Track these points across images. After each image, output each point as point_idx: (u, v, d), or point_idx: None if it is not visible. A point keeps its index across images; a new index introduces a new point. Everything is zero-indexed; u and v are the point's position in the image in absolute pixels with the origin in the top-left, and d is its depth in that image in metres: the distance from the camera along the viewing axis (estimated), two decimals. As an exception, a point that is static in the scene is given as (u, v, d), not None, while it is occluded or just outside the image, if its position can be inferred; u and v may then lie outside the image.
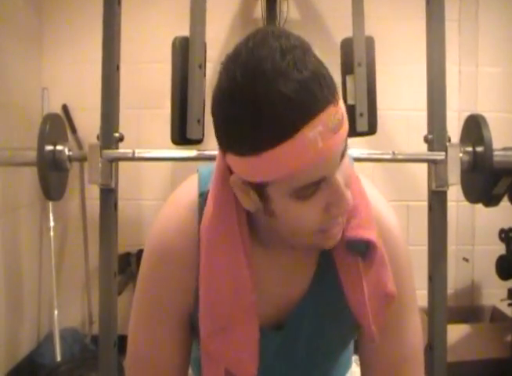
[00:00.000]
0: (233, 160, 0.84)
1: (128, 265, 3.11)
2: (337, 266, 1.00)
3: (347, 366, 1.37)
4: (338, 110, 0.79)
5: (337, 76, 2.49)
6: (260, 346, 0.99)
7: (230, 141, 0.83)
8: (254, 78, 0.77)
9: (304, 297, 1.05)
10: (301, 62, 0.77)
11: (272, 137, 0.77)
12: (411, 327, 1.08)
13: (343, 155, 0.84)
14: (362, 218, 0.97)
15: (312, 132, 0.76)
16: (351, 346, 1.34)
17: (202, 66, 2.20)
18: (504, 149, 2.28)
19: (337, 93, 0.80)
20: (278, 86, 0.75)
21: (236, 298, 0.96)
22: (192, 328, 1.07)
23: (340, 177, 0.83)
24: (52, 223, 3.08)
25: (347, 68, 2.38)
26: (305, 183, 0.81)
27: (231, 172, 0.89)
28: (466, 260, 3.35)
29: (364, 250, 0.98)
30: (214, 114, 0.84)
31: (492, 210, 2.77)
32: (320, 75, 0.78)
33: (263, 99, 0.76)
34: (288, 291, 1.05)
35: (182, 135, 2.20)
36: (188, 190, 1.07)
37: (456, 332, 2.89)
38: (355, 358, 1.41)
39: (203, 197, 1.02)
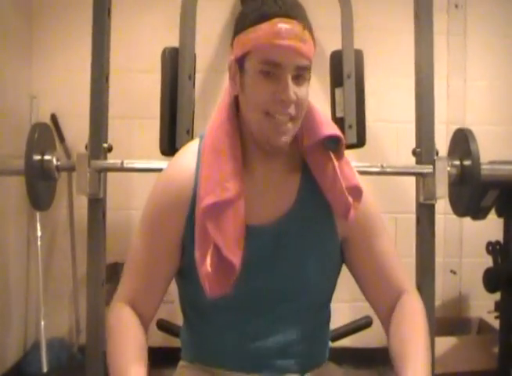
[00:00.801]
0: (235, 43, 1.21)
1: (116, 274, 3.09)
2: (314, 169, 1.28)
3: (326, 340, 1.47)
4: (307, 38, 1.16)
5: (325, 88, 2.51)
6: (248, 239, 1.21)
7: (238, 26, 1.20)
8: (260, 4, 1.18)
9: (289, 209, 1.29)
10: (297, 6, 1.19)
11: (257, 18, 1.16)
12: (385, 237, 1.36)
13: (303, 78, 1.18)
14: (323, 122, 1.29)
15: (281, 24, 1.13)
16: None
17: (191, 77, 2.21)
18: (491, 162, 2.30)
19: (311, 32, 1.18)
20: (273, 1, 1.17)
21: (229, 183, 1.20)
22: (183, 250, 1.30)
23: (290, 79, 1.15)
24: (39, 232, 3.06)
25: (337, 80, 2.39)
26: (267, 58, 1.15)
27: (236, 105, 1.27)
28: (454, 272, 3.36)
29: (333, 147, 1.28)
30: (235, 25, 1.23)
31: (479, 223, 2.78)
32: (303, 13, 1.18)
33: (262, 6, 1.17)
34: (275, 208, 1.29)
35: (171, 145, 2.20)
36: (192, 141, 1.38)
37: (443, 344, 2.89)
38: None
39: (202, 135, 1.31)
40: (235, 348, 1.32)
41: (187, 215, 1.26)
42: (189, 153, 1.32)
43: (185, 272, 1.32)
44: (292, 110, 1.18)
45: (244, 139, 1.27)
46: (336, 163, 1.27)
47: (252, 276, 1.25)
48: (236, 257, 1.19)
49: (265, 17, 1.15)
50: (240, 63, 1.21)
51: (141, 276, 1.32)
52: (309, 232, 1.30)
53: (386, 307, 1.33)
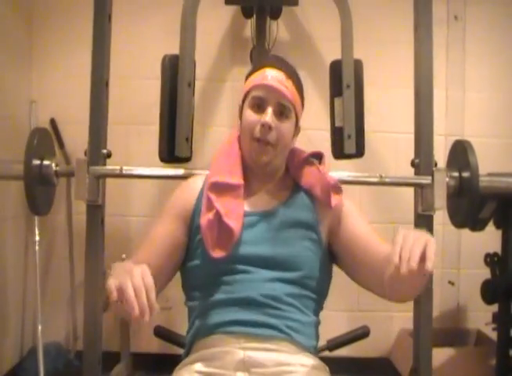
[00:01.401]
0: (244, 87, 1.63)
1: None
2: (302, 175, 1.65)
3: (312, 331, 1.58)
4: (289, 86, 1.56)
5: (325, 98, 2.51)
6: (244, 220, 1.53)
7: (246, 77, 1.65)
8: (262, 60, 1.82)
9: (280, 204, 1.61)
10: (285, 63, 1.64)
11: (253, 69, 1.63)
12: (365, 224, 1.63)
13: (285, 116, 1.56)
14: (307, 150, 1.69)
15: (269, 71, 1.56)
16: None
17: (191, 85, 2.21)
18: (489, 174, 2.30)
19: (296, 86, 1.59)
20: (269, 58, 1.87)
21: (232, 174, 1.57)
22: (188, 245, 1.61)
23: (272, 112, 1.53)
24: (37, 237, 3.05)
25: (336, 90, 2.39)
26: (256, 95, 1.56)
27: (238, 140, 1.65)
28: (452, 283, 3.36)
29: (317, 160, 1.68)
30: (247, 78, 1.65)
31: (477, 234, 2.78)
32: (291, 70, 1.62)
33: (261, 61, 1.70)
34: (268, 204, 1.60)
35: (170, 152, 2.20)
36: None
37: (440, 355, 2.89)
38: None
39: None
40: (228, 308, 1.49)
41: (192, 214, 1.60)
42: (198, 177, 1.73)
43: (191, 258, 1.59)
44: (272, 136, 1.53)
45: (244, 168, 1.61)
46: (320, 168, 1.64)
47: (246, 245, 1.52)
48: (235, 225, 1.50)
49: (260, 67, 1.60)
50: (243, 103, 1.62)
51: (154, 250, 1.59)
52: (296, 219, 1.58)
53: (382, 286, 1.45)
